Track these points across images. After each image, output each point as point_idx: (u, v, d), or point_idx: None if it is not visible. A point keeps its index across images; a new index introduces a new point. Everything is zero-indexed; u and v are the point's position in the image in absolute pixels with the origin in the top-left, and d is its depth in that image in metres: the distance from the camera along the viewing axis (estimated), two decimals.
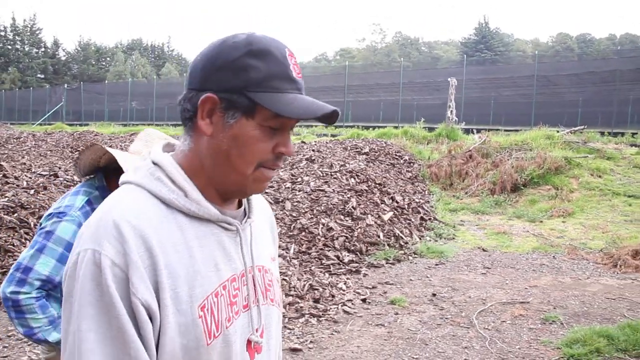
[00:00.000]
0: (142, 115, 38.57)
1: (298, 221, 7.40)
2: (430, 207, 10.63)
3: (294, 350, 4.50)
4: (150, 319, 0.96)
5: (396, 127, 16.57)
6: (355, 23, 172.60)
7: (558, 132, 14.37)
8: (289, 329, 4.88)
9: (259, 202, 1.27)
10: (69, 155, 14.95)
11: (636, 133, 18.83)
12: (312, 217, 7.49)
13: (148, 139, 2.26)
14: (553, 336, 4.75)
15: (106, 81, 47.24)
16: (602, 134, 19.58)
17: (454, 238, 8.57)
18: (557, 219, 9.93)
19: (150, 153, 1.10)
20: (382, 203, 8.53)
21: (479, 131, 18.47)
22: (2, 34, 66.06)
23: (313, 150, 11.59)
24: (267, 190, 8.68)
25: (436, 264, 7.03)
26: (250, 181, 1.05)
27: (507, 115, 29.25)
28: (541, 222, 9.72)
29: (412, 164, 12.66)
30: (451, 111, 15.36)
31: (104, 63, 73.12)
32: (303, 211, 7.67)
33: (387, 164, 11.88)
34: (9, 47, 66.28)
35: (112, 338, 0.93)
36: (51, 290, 1.99)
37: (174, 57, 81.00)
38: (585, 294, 5.91)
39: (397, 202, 8.83)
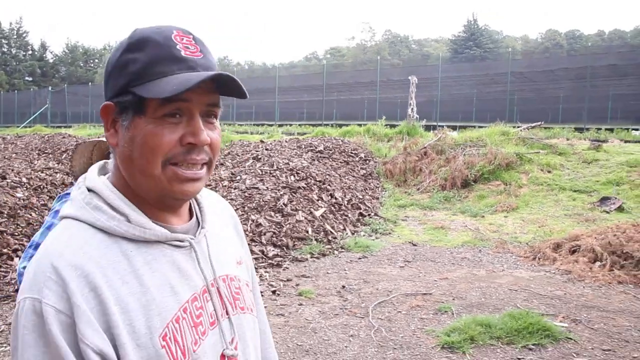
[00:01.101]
0: None
1: None
2: (378, 203, 10.82)
3: None
4: None
5: (360, 125, 16.69)
6: (345, 22, 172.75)
7: (516, 128, 14.55)
8: None
9: (214, 205, 1.19)
10: (35, 158, 15.10)
11: (597, 129, 19.06)
12: (242, 214, 7.66)
13: None
14: (440, 326, 4.92)
15: (90, 83, 47.17)
16: (581, 130, 19.86)
17: (390, 233, 8.74)
18: (500, 213, 10.12)
19: (85, 179, 1.03)
20: (319, 200, 8.70)
21: (455, 128, 18.71)
22: None
23: (266, 149, 11.76)
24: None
25: (359, 258, 7.20)
26: (165, 183, 0.96)
27: (490, 112, 29.37)
28: (483, 217, 9.91)
29: (367, 162, 12.83)
30: (412, 109, 15.54)
31: (92, 65, 73.13)
32: (235, 208, 7.83)
33: (341, 162, 12.05)
34: None
35: None
36: None
37: None
38: (491, 285, 6.09)
39: (335, 199, 9.00)
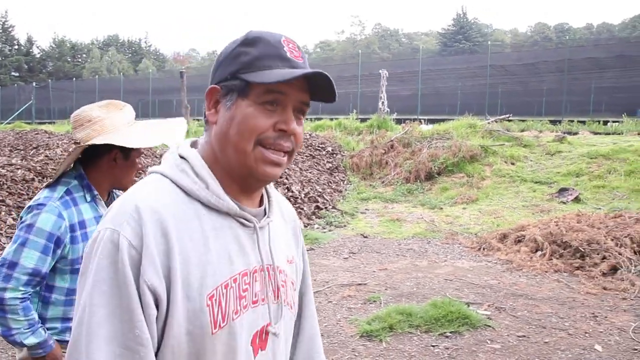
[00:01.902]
0: None
1: None
2: (341, 196, 10.91)
3: None
4: (157, 304, 0.99)
5: (331, 120, 16.76)
6: (335, 15, 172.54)
7: (483, 121, 14.66)
8: None
9: (281, 204, 1.30)
10: (6, 154, 15.07)
11: (570, 121, 19.20)
12: None
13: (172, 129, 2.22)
14: (365, 315, 5.01)
15: (74, 79, 46.96)
16: (558, 122, 19.99)
17: (344, 226, 8.83)
18: (459, 205, 10.22)
19: (178, 147, 1.15)
20: None
21: (432, 122, 18.75)
22: None
23: None
24: None
25: (306, 250, 7.26)
26: (252, 161, 1.06)
27: (476, 105, 29.40)
28: (441, 209, 10.01)
29: (334, 155, 12.90)
30: (382, 102, 15.62)
31: (79, 60, 72.76)
32: None
33: (306, 156, 12.12)
34: None
35: (121, 315, 0.96)
36: (38, 284, 1.96)
37: (151, 52, 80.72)
38: (428, 276, 6.18)
39: (292, 192, 9.08)
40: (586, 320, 4.88)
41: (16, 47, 67.67)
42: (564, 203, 9.93)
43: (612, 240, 6.59)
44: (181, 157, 1.11)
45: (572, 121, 18.77)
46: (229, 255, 1.07)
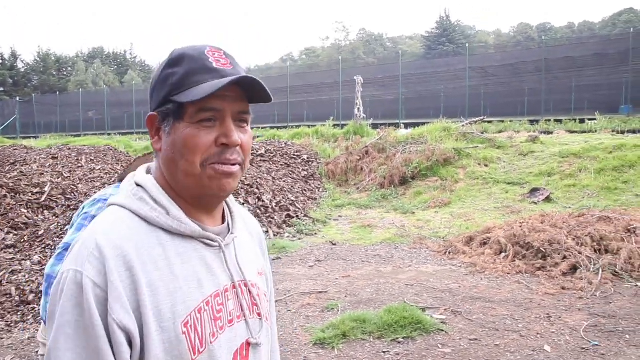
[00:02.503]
0: (99, 125, 38.42)
1: None
2: (315, 203, 10.93)
3: None
4: (130, 341, 0.97)
5: (309, 127, 16.81)
6: (319, 22, 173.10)
7: (459, 123, 14.75)
8: None
9: (245, 218, 1.30)
10: None
11: (547, 120, 19.36)
12: None
13: None
14: (321, 323, 5.03)
15: (58, 92, 46.80)
16: (536, 122, 20.12)
17: (315, 234, 8.85)
18: (432, 209, 10.28)
19: (134, 175, 1.14)
20: (244, 203, 8.80)
21: (416, 125, 18.82)
22: None
23: None
24: None
25: (272, 260, 7.29)
26: (205, 180, 1.06)
27: (460, 107, 29.48)
28: (413, 213, 10.07)
29: (310, 163, 12.94)
30: (358, 108, 15.70)
31: (65, 73, 72.53)
32: None
33: (281, 164, 12.15)
34: None
35: (88, 358, 0.94)
36: None
37: (137, 64, 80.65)
38: (389, 281, 6.21)
39: (262, 202, 9.10)
40: (540, 321, 4.93)
41: (0, 62, 67.39)
42: (535, 203, 10.01)
43: (573, 239, 6.67)
44: (137, 184, 1.11)
45: (549, 120, 18.90)
46: (198, 278, 1.06)
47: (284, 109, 31.69)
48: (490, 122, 19.45)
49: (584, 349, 4.33)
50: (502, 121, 18.48)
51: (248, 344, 1.14)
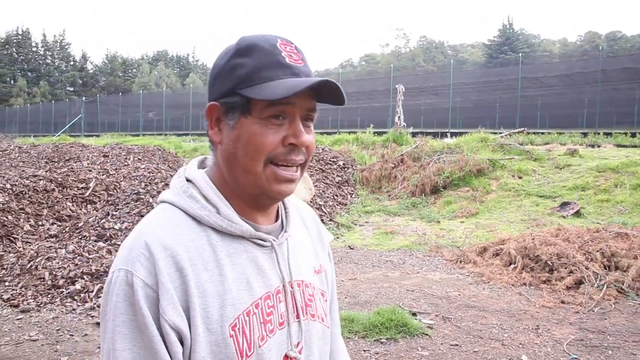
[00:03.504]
0: (159, 125, 39.85)
1: None
2: (345, 209, 11.16)
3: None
4: (181, 340, 0.97)
5: (349, 133, 17.05)
6: (379, 28, 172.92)
7: (497, 133, 14.65)
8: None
9: (300, 211, 1.27)
10: (42, 166, 15.99)
11: (605, 133, 18.86)
12: None
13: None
14: None
15: (120, 93, 48.83)
16: (585, 134, 19.66)
17: (337, 237, 9.09)
18: (458, 219, 10.33)
19: (185, 170, 1.12)
20: None
21: (455, 136, 18.77)
22: (34, 49, 69.17)
23: None
24: None
25: None
26: (264, 181, 1.02)
27: (514, 118, 28.99)
28: (438, 222, 10.15)
29: (346, 169, 13.18)
30: (399, 117, 15.78)
31: (130, 75, 75.53)
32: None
33: (316, 169, 12.45)
34: (40, 62, 69.45)
35: (145, 357, 0.95)
36: None
37: (198, 67, 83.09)
38: (392, 286, 6.39)
39: None
40: (527, 332, 5.01)
41: (72, 63, 70.92)
42: (564, 217, 9.90)
43: (583, 254, 6.65)
44: (188, 180, 1.09)
45: (598, 133, 18.43)
46: (248, 280, 1.04)
47: (337, 114, 32.03)
48: (537, 133, 19.13)
49: None
50: (550, 133, 18.14)
51: (299, 345, 1.11)
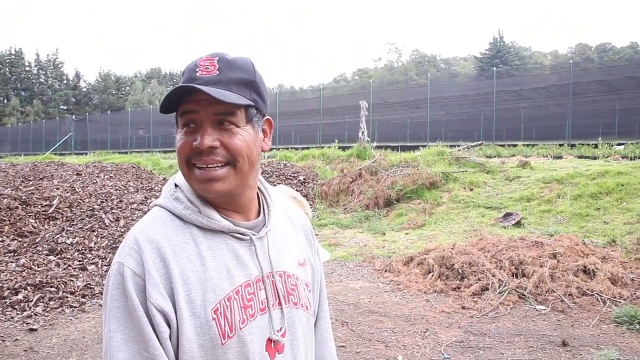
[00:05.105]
0: (149, 142, 40.16)
1: None
2: None
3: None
4: (168, 322, 1.10)
5: (317, 148, 17.47)
6: (372, 43, 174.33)
7: (456, 147, 15.04)
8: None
9: (288, 212, 1.41)
10: (17, 185, 16.37)
11: (568, 145, 19.27)
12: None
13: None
14: None
15: (109, 111, 49.34)
16: (561, 145, 20.07)
17: None
18: (404, 231, 10.69)
19: (175, 177, 1.26)
20: None
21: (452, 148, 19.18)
22: (27, 68, 69.88)
23: None
24: None
25: None
26: (193, 182, 1.16)
27: (492, 130, 29.33)
28: (384, 234, 10.51)
29: (306, 184, 13.56)
30: (362, 132, 16.20)
31: (123, 92, 76.23)
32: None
33: (276, 184, 12.82)
34: (33, 80, 70.13)
35: (135, 337, 1.08)
36: None
37: None
38: None
39: None
40: (414, 335, 5.37)
41: (65, 82, 71.57)
42: (505, 227, 10.26)
43: (494, 262, 7.01)
44: (175, 185, 1.23)
45: (573, 145, 18.86)
46: (228, 269, 1.16)
47: (317, 130, 32.49)
48: (505, 145, 19.54)
49: None
50: (516, 145, 18.54)
51: (282, 330, 1.23)
